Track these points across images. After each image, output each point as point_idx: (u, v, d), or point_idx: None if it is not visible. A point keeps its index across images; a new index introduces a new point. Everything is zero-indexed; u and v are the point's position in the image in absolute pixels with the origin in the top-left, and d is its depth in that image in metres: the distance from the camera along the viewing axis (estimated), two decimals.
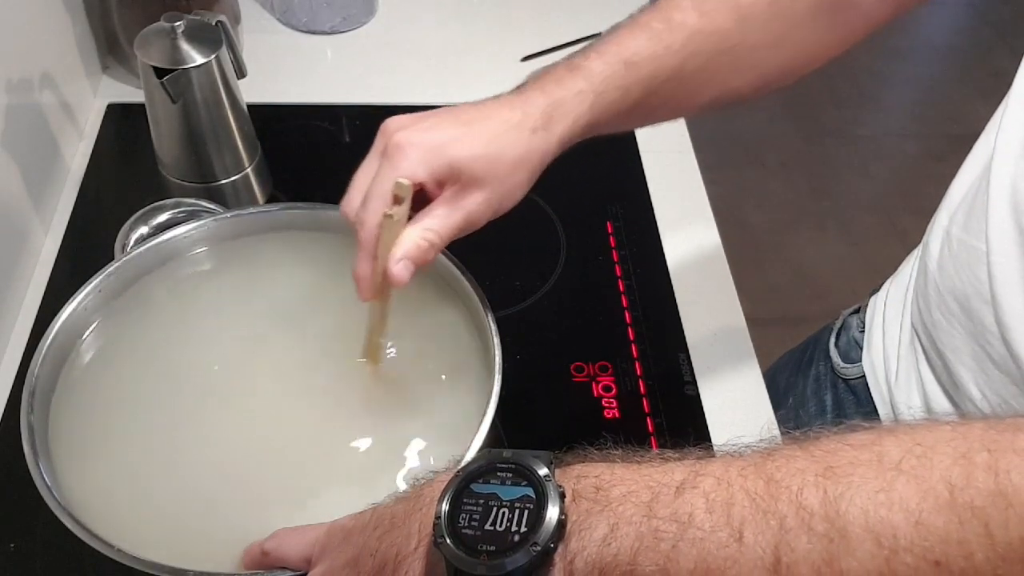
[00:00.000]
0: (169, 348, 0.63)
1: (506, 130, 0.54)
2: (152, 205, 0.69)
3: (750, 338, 0.81)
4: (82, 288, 0.62)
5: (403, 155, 0.53)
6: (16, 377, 0.73)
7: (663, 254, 0.86)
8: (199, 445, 0.58)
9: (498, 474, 0.39)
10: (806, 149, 2.39)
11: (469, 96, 0.58)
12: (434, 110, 0.56)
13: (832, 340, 0.81)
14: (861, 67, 2.60)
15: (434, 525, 0.39)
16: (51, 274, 0.82)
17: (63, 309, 0.61)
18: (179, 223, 0.67)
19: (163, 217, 0.68)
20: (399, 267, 0.53)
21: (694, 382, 0.76)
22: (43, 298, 0.79)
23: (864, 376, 0.75)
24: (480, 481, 0.39)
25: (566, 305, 0.82)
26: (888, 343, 0.73)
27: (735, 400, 0.76)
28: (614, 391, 0.75)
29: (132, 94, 0.99)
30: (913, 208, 2.18)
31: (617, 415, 0.74)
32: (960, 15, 2.89)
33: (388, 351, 0.62)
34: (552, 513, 0.37)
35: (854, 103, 2.54)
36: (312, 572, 0.46)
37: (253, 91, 0.89)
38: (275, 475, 0.57)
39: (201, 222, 0.67)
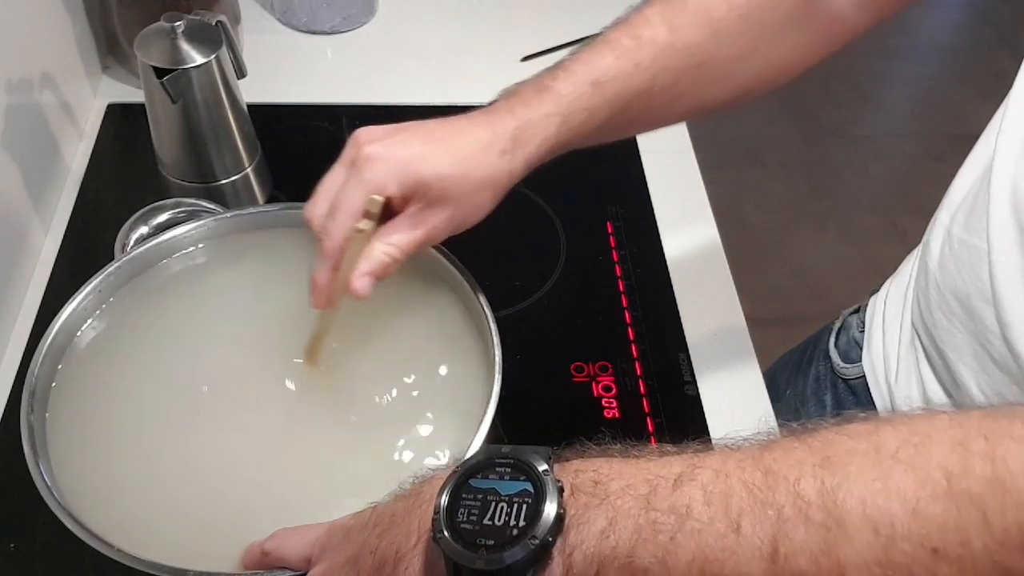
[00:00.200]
0: (169, 348, 0.63)
1: (475, 151, 0.55)
2: (152, 205, 0.69)
3: (750, 338, 0.81)
4: (82, 288, 0.62)
5: (373, 169, 0.54)
6: (16, 377, 0.73)
7: (663, 254, 0.86)
8: (199, 445, 0.58)
9: (497, 469, 0.40)
10: (806, 149, 2.39)
11: (469, 96, 0.58)
12: (406, 123, 0.57)
13: (832, 340, 0.81)
14: (861, 67, 2.60)
15: (433, 520, 0.39)
16: (51, 274, 0.82)
17: (63, 309, 0.61)
18: (179, 223, 0.67)
19: (163, 217, 0.68)
20: (363, 282, 0.54)
21: (694, 382, 0.76)
22: (43, 298, 0.79)
23: (864, 376, 0.75)
24: (479, 476, 0.40)
25: (566, 305, 0.82)
26: (888, 343, 0.73)
27: (735, 400, 0.76)
28: (614, 391, 0.75)
29: (132, 94, 0.99)
30: (913, 208, 2.18)
31: (617, 415, 0.74)
32: (960, 15, 2.89)
33: (331, 349, 0.62)
34: (550, 507, 0.37)
35: (854, 103, 2.54)
36: (312, 571, 0.46)
37: (253, 91, 0.89)
38: (275, 475, 0.57)
39: (201, 222, 0.67)
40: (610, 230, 0.88)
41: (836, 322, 0.83)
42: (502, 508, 0.38)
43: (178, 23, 0.78)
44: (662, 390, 0.76)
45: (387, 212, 0.55)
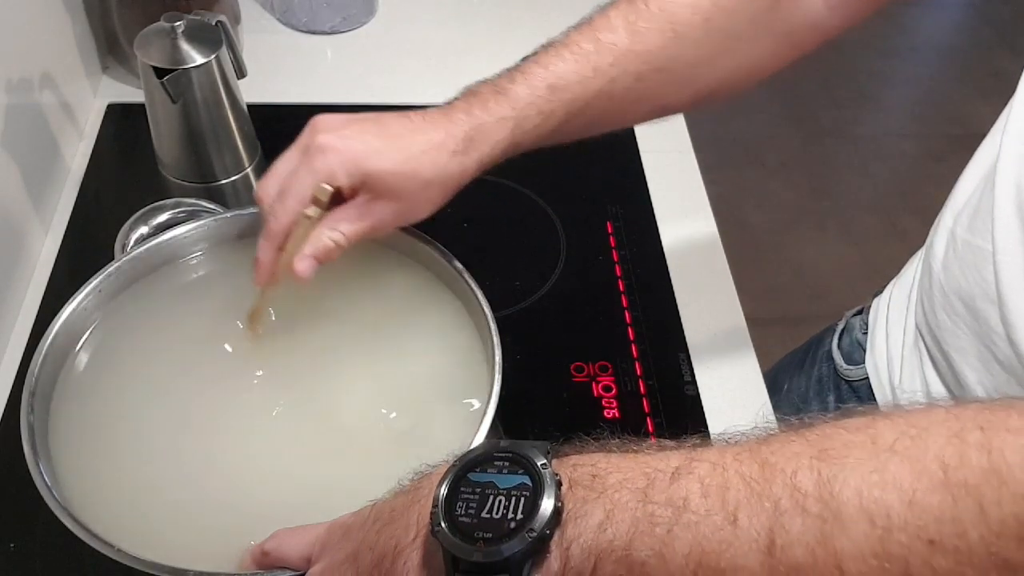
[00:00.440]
0: (170, 348, 0.63)
1: (426, 150, 0.56)
2: (152, 205, 0.69)
3: (750, 338, 0.81)
4: (82, 288, 0.62)
5: (323, 159, 0.56)
6: (16, 377, 0.73)
7: (663, 254, 0.86)
8: (199, 445, 0.58)
9: (495, 463, 0.40)
10: (806, 149, 2.39)
11: None
12: (364, 115, 0.58)
13: (835, 341, 0.81)
14: (861, 67, 2.61)
15: (431, 514, 0.39)
16: (51, 274, 0.82)
17: (63, 309, 0.61)
18: (179, 223, 0.67)
19: (163, 217, 0.68)
20: (305, 264, 0.57)
21: (694, 382, 0.76)
22: (43, 298, 0.79)
23: (867, 378, 0.75)
24: (477, 470, 0.40)
25: (566, 305, 0.82)
26: (892, 344, 0.72)
27: (735, 400, 0.76)
28: (614, 391, 0.75)
29: (132, 94, 0.99)
30: (913, 208, 2.18)
31: (617, 415, 0.74)
32: (960, 15, 2.89)
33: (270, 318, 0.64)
34: (548, 501, 0.37)
35: (854, 103, 2.54)
36: (312, 569, 0.46)
37: (253, 91, 0.89)
38: (275, 474, 0.57)
39: (201, 222, 0.67)
40: (610, 230, 0.88)
41: (839, 323, 0.83)
42: (500, 501, 0.38)
43: (178, 23, 0.78)
44: (662, 390, 0.76)
45: (337, 198, 0.57)
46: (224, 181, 0.86)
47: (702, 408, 0.75)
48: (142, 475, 0.56)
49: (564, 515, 0.37)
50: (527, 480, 0.38)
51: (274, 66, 1.04)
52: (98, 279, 0.63)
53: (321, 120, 0.58)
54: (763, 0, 0.60)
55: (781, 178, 2.30)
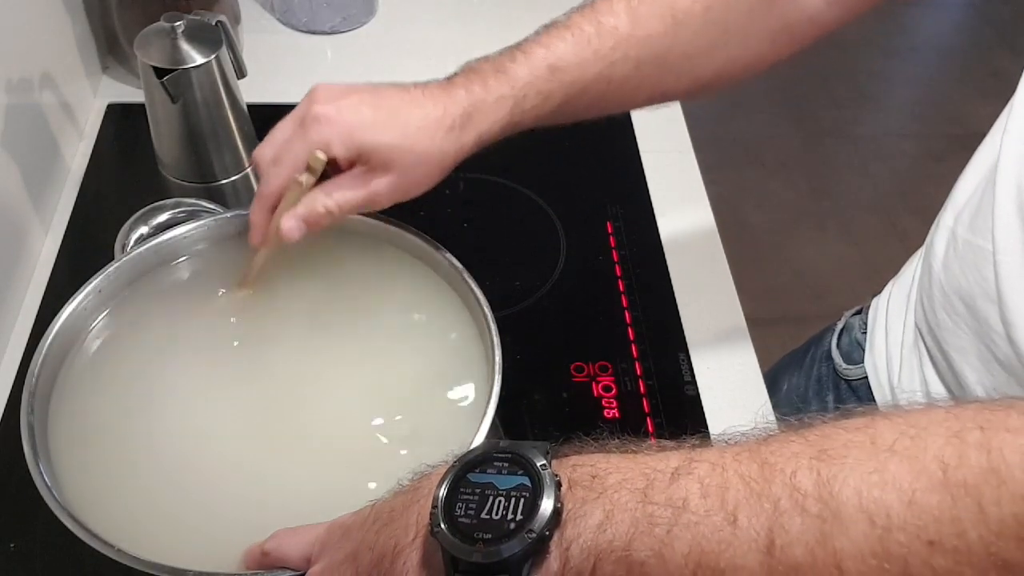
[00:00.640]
0: (170, 348, 0.63)
1: (423, 125, 0.57)
2: (152, 205, 0.69)
3: (750, 338, 0.81)
4: (82, 288, 0.62)
5: (318, 129, 0.57)
6: (16, 377, 0.73)
7: (663, 254, 0.86)
8: (199, 445, 0.58)
9: (495, 464, 0.40)
10: (806, 149, 2.39)
11: None
12: (364, 86, 0.59)
13: (834, 341, 0.81)
14: (861, 67, 2.60)
15: (430, 514, 0.39)
16: (51, 274, 0.82)
17: (63, 309, 0.61)
18: (179, 223, 0.67)
19: (163, 217, 0.68)
20: (291, 224, 0.57)
21: (694, 382, 0.76)
22: (43, 298, 0.79)
23: (866, 377, 0.75)
24: (477, 471, 0.40)
25: (566, 305, 0.82)
26: (891, 344, 0.72)
27: (735, 400, 0.76)
28: (614, 391, 0.75)
29: (132, 94, 0.99)
30: (913, 208, 2.18)
31: (617, 415, 0.74)
32: (960, 15, 2.89)
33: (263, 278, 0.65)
34: (547, 501, 0.37)
35: (854, 103, 2.54)
36: (312, 569, 0.46)
37: (253, 91, 0.89)
38: (275, 475, 0.57)
39: (201, 222, 0.67)
40: (610, 230, 0.88)
41: (838, 323, 0.83)
42: (500, 502, 0.38)
43: (178, 23, 0.78)
44: (662, 390, 0.76)
45: (336, 169, 0.58)
46: (224, 181, 0.86)
47: (702, 408, 0.75)
48: (142, 475, 0.56)
49: (563, 516, 0.37)
50: (526, 481, 0.38)
51: (274, 66, 1.04)
52: (98, 279, 0.63)
53: (320, 89, 0.58)
54: None
55: (781, 178, 2.29)
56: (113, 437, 0.58)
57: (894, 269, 0.78)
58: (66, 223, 0.86)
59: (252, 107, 0.87)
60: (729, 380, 0.77)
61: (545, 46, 0.59)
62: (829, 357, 0.81)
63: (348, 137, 0.56)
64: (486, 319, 0.60)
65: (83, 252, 0.84)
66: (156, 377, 0.61)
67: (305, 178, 0.57)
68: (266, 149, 0.60)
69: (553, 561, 0.37)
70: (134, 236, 0.67)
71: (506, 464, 0.39)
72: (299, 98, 0.60)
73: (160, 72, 0.78)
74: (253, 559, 0.50)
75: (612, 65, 0.59)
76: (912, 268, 0.73)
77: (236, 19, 1.02)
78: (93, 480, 0.55)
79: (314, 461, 0.58)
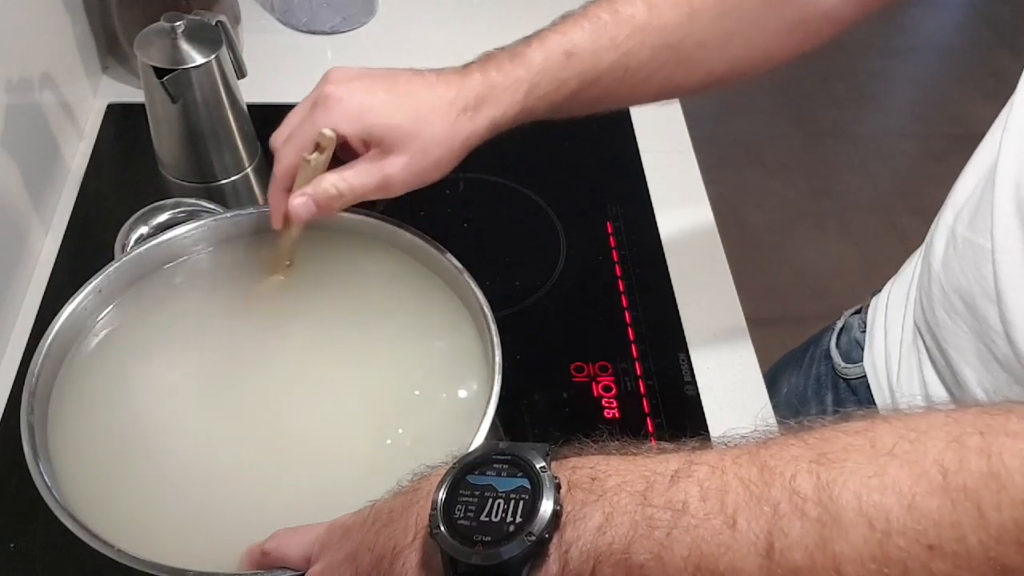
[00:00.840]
0: (169, 347, 0.63)
1: (435, 107, 0.57)
2: (152, 205, 0.69)
3: (750, 338, 0.81)
4: (82, 288, 0.62)
5: (329, 110, 0.57)
6: (16, 377, 0.73)
7: (663, 254, 0.86)
8: (199, 445, 0.58)
9: (494, 465, 0.40)
10: (806, 149, 2.39)
11: None
12: (378, 70, 0.59)
13: (833, 340, 0.81)
14: (861, 67, 2.61)
15: (430, 516, 0.39)
16: (51, 274, 0.82)
17: (63, 309, 0.61)
18: (179, 223, 0.67)
19: (163, 217, 0.68)
20: (299, 202, 0.58)
21: (694, 382, 0.76)
22: (43, 298, 0.79)
23: (865, 376, 0.75)
24: (476, 473, 0.40)
25: (566, 305, 0.82)
26: (890, 343, 0.73)
27: (735, 400, 0.76)
28: (614, 391, 0.75)
29: (132, 94, 0.99)
30: (913, 208, 2.18)
31: (617, 415, 0.74)
32: (960, 15, 2.89)
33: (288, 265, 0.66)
34: (547, 503, 0.37)
35: (854, 103, 2.54)
36: (312, 569, 0.46)
37: (253, 91, 0.89)
38: (275, 475, 0.57)
39: (201, 222, 0.67)
40: (610, 230, 0.88)
41: (837, 322, 0.83)
42: (499, 504, 0.38)
43: (178, 23, 0.78)
44: (662, 390, 0.76)
45: (352, 155, 0.58)
46: (224, 181, 0.86)
47: (702, 408, 0.75)
48: (142, 475, 0.56)
49: (563, 518, 0.37)
50: (526, 483, 0.38)
51: (274, 66, 1.04)
52: (98, 279, 0.63)
53: (335, 72, 0.59)
54: None
55: (781, 178, 2.30)
56: (113, 437, 0.58)
57: (894, 269, 0.78)
58: (66, 223, 0.86)
59: (252, 107, 0.87)
60: (729, 380, 0.77)
61: (561, 32, 0.59)
62: (828, 356, 0.81)
63: (357, 118, 0.56)
64: (486, 319, 0.60)
65: (83, 252, 0.84)
66: (156, 377, 0.61)
67: (314, 157, 0.57)
68: (282, 131, 0.61)
69: (552, 563, 0.37)
70: (134, 236, 0.67)
71: (506, 466, 0.39)
72: (299, 98, 0.60)
73: (160, 72, 0.78)
74: (253, 559, 0.50)
75: (627, 54, 0.59)
76: (912, 267, 0.73)
77: (236, 19, 1.02)
78: (93, 480, 0.55)
79: (314, 461, 0.58)
